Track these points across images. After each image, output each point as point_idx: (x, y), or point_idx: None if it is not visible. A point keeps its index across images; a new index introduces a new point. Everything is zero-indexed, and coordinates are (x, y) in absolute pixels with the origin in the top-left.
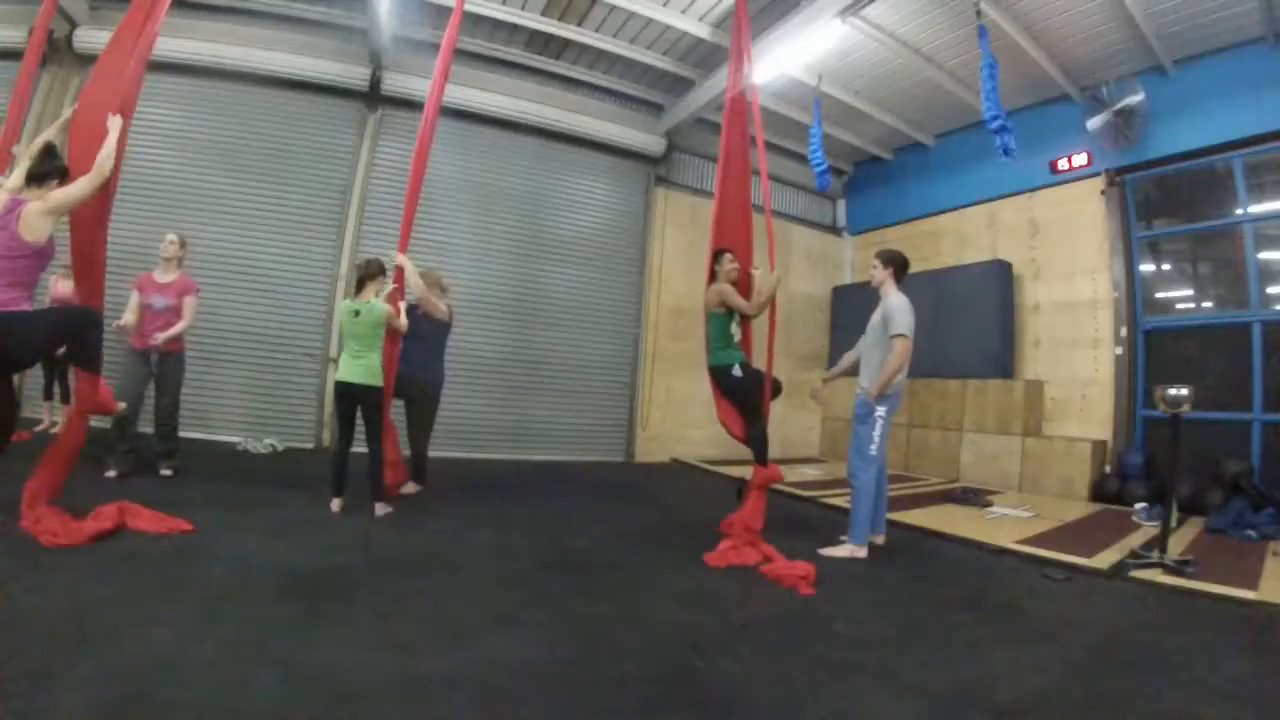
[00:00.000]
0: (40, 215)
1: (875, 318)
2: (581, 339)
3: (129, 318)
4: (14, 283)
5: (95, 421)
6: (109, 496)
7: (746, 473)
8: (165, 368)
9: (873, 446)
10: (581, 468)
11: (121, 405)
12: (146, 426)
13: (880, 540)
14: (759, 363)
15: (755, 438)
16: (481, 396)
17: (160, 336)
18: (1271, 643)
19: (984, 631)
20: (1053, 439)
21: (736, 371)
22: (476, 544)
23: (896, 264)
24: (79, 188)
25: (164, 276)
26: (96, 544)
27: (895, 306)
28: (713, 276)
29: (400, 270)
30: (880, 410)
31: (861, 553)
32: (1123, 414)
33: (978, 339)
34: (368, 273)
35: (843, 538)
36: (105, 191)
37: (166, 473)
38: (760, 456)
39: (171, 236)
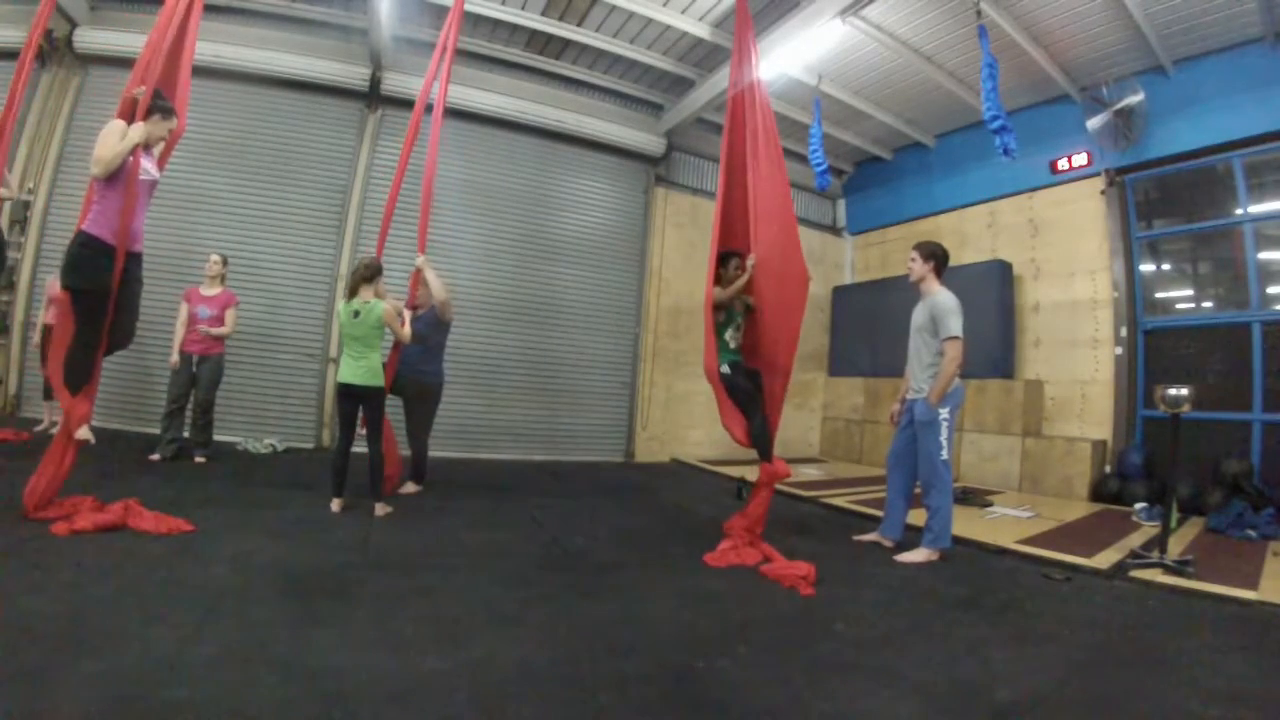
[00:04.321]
0: (103, 138)
1: (918, 317)
2: (581, 339)
3: (181, 331)
4: (89, 202)
5: (114, 424)
6: (148, 477)
7: (747, 472)
8: (203, 368)
9: (943, 452)
10: (581, 468)
11: None
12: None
13: (889, 542)
14: (752, 359)
15: (754, 433)
16: (481, 396)
17: (203, 329)
18: (1271, 643)
19: (984, 631)
20: (1053, 439)
21: (725, 369)
22: (476, 544)
23: (938, 258)
24: (110, 144)
25: (209, 290)
26: (96, 544)
27: (945, 306)
28: (718, 280)
29: (418, 272)
30: (944, 413)
31: (936, 556)
32: (1123, 414)
33: (977, 339)
34: (365, 275)
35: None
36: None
37: (201, 459)
38: (763, 453)
39: (215, 257)
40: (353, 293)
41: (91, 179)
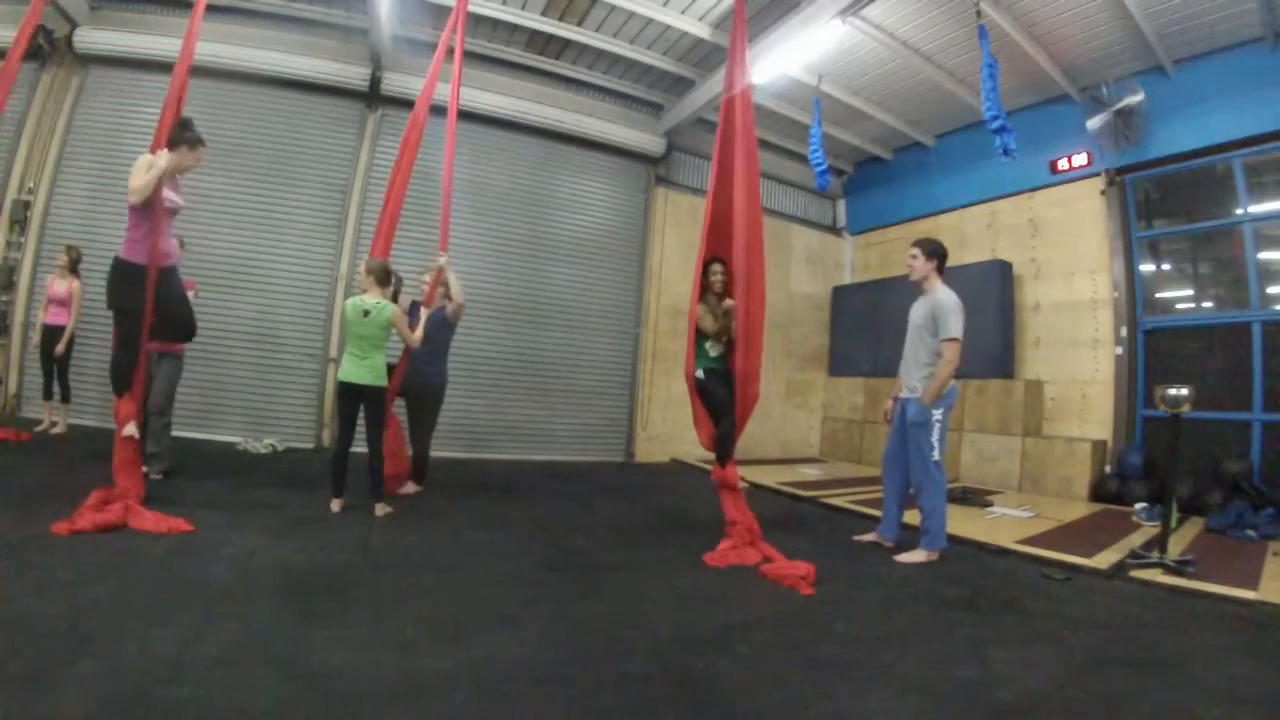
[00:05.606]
0: (135, 170)
1: (917, 314)
2: (581, 339)
3: None
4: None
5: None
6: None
7: (747, 472)
8: (163, 367)
9: (935, 452)
10: (581, 468)
11: None
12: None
13: (889, 543)
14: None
15: (718, 437)
16: (481, 396)
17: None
18: (1271, 643)
19: (984, 631)
20: (1053, 439)
21: (699, 375)
22: (476, 544)
23: (939, 256)
24: (140, 175)
25: None
26: (96, 544)
27: (946, 305)
28: (704, 287)
29: (440, 272)
30: (937, 413)
31: (935, 557)
32: (1123, 414)
33: (977, 339)
34: (382, 275)
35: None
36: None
37: (156, 476)
38: (720, 457)
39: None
40: (383, 282)
41: (129, 208)
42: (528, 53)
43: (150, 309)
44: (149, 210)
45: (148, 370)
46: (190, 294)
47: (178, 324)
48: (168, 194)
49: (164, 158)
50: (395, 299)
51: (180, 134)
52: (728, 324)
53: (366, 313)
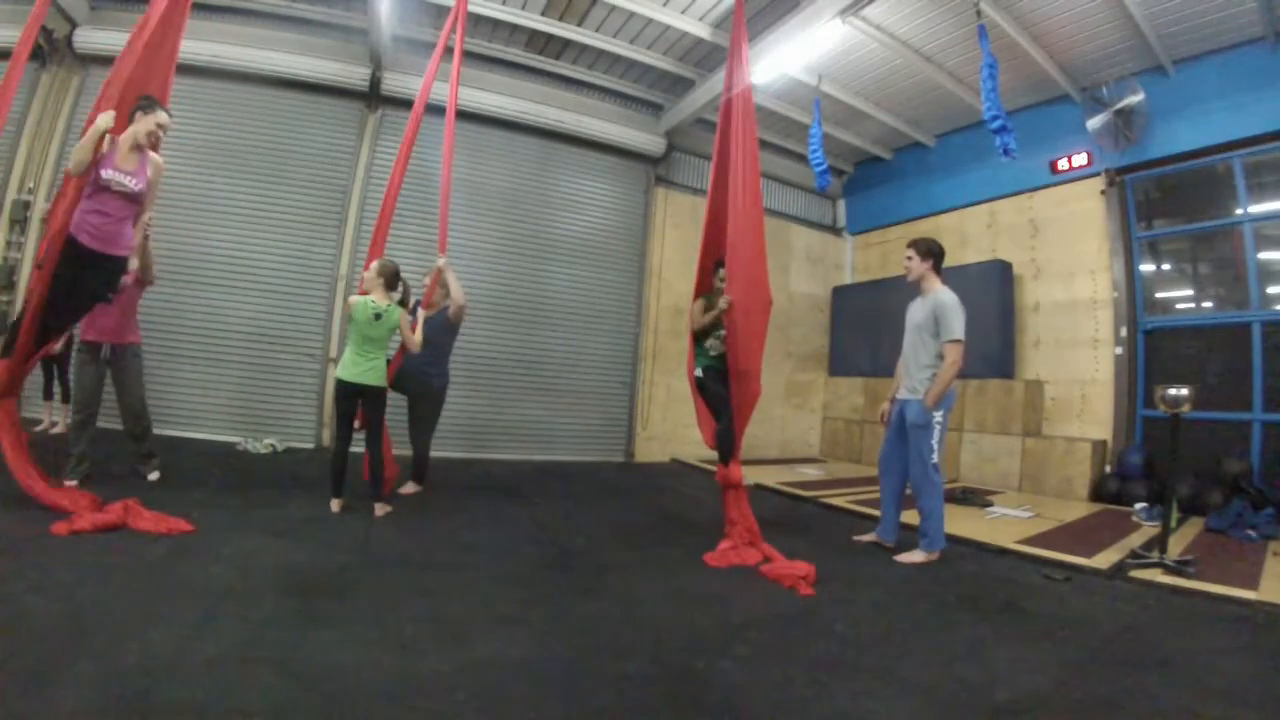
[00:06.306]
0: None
1: (917, 315)
2: (581, 339)
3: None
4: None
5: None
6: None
7: (746, 472)
8: (123, 363)
9: (934, 454)
10: (581, 468)
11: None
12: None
13: (889, 543)
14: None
15: (718, 435)
16: (481, 396)
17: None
18: (1271, 643)
19: (984, 631)
20: (1053, 439)
21: (698, 373)
22: (476, 544)
23: (935, 255)
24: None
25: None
26: (96, 544)
27: (947, 305)
28: (709, 286)
29: (438, 273)
30: (938, 415)
31: (935, 557)
32: (1123, 414)
33: (977, 339)
34: (391, 278)
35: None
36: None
37: (154, 476)
38: (722, 455)
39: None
40: (392, 285)
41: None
42: (528, 53)
43: (49, 278)
44: (88, 182)
45: (98, 370)
46: (146, 234)
47: (55, 316)
48: (111, 173)
49: (106, 118)
50: (404, 304)
51: (137, 103)
52: (717, 320)
53: (379, 315)
